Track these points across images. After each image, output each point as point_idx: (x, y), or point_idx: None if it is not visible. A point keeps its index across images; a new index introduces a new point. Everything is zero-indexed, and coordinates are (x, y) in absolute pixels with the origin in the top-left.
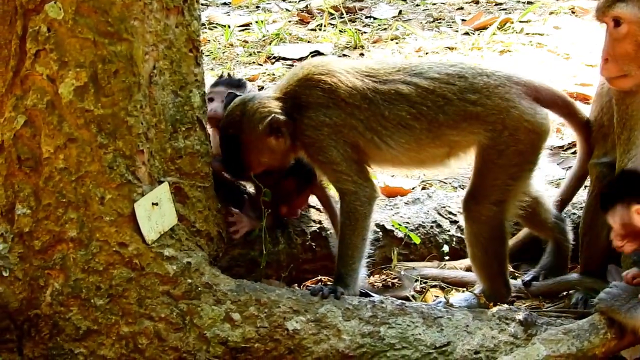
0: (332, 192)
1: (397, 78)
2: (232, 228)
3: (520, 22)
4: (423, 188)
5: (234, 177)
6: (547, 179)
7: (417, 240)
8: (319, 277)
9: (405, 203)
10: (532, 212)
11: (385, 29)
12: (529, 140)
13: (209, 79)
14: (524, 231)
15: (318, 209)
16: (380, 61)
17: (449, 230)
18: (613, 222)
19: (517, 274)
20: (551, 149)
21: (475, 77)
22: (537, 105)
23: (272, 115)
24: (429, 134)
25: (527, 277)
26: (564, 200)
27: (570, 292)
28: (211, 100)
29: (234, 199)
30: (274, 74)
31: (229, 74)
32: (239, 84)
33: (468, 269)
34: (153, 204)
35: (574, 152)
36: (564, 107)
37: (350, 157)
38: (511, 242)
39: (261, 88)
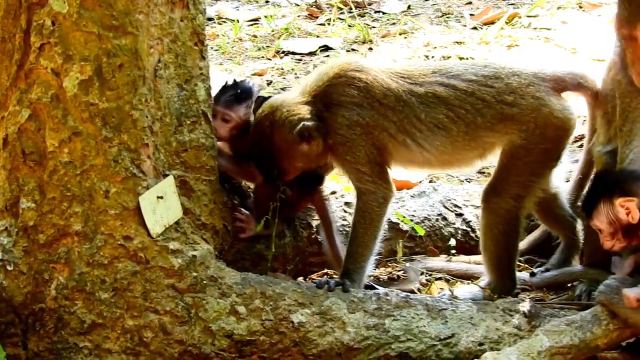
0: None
1: (433, 80)
2: (239, 224)
3: (527, 16)
4: (430, 181)
5: (269, 183)
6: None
7: (422, 232)
8: (325, 271)
9: (411, 196)
10: (548, 208)
11: (394, 23)
12: (557, 137)
13: (217, 73)
14: (540, 229)
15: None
16: (413, 62)
17: (454, 223)
18: (600, 224)
19: (526, 268)
20: None
21: (509, 77)
22: (565, 100)
23: (302, 123)
24: (465, 136)
25: (535, 271)
26: (581, 182)
27: (575, 283)
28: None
29: (241, 201)
30: (282, 69)
31: (228, 85)
32: (240, 97)
33: (476, 263)
34: (158, 197)
35: (581, 146)
36: (590, 88)
37: (375, 159)
38: (527, 240)
39: (270, 83)
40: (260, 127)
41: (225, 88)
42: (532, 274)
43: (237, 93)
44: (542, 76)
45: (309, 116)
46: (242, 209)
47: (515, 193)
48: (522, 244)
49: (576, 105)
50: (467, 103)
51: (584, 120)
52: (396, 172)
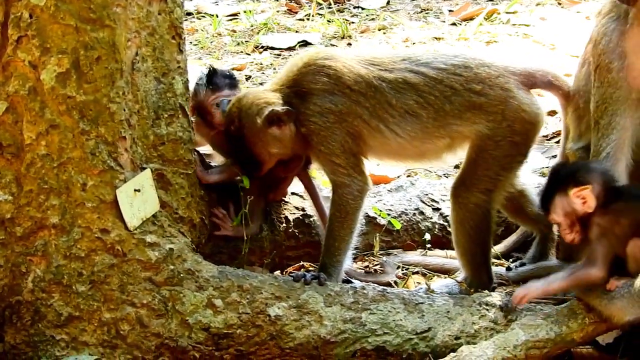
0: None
1: (403, 67)
2: (216, 221)
3: (506, 13)
4: (407, 176)
5: (250, 175)
6: (531, 168)
7: (398, 226)
8: (302, 264)
9: (389, 190)
10: (518, 205)
11: (373, 19)
12: (525, 131)
13: (196, 68)
14: (519, 232)
15: (301, 196)
16: (381, 50)
17: (431, 218)
18: (557, 217)
19: (502, 263)
20: None
21: (479, 67)
22: (533, 96)
23: (270, 108)
24: (435, 122)
25: (511, 265)
26: None
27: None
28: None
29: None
30: (261, 64)
31: (211, 71)
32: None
33: (452, 258)
34: (135, 190)
35: (558, 142)
36: (561, 88)
37: (350, 148)
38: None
39: (249, 78)
40: (230, 118)
41: (210, 76)
42: (508, 269)
43: (226, 76)
44: (512, 70)
45: (276, 101)
46: (220, 208)
47: (485, 187)
48: (500, 247)
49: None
50: (436, 90)
51: (560, 120)
52: (374, 167)
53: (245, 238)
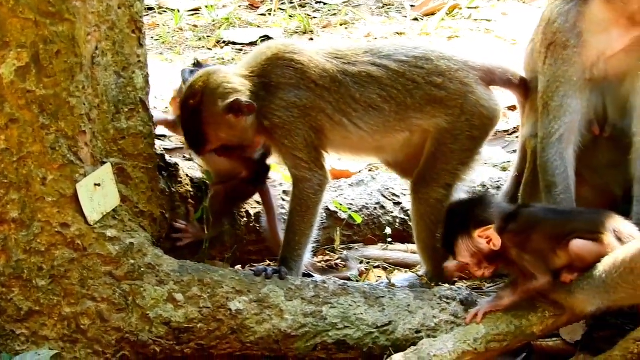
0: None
1: (366, 60)
2: (177, 235)
3: (468, 8)
4: (369, 171)
5: (193, 150)
6: (492, 163)
7: (359, 220)
8: (267, 263)
9: (350, 185)
10: None
11: (335, 14)
12: (483, 126)
13: (157, 63)
14: None
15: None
16: (344, 43)
17: (392, 212)
18: (464, 259)
19: None
20: (496, 133)
21: (439, 60)
22: (492, 92)
23: (236, 97)
24: (396, 116)
25: None
26: (519, 176)
27: None
28: None
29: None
30: (223, 59)
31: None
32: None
33: (413, 252)
34: (95, 184)
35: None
36: (519, 86)
37: (312, 142)
38: None
39: None
40: (193, 90)
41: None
42: None
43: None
44: (471, 65)
45: (243, 90)
46: (178, 220)
47: (444, 182)
48: None
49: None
50: (398, 84)
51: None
52: (335, 162)
53: (206, 205)
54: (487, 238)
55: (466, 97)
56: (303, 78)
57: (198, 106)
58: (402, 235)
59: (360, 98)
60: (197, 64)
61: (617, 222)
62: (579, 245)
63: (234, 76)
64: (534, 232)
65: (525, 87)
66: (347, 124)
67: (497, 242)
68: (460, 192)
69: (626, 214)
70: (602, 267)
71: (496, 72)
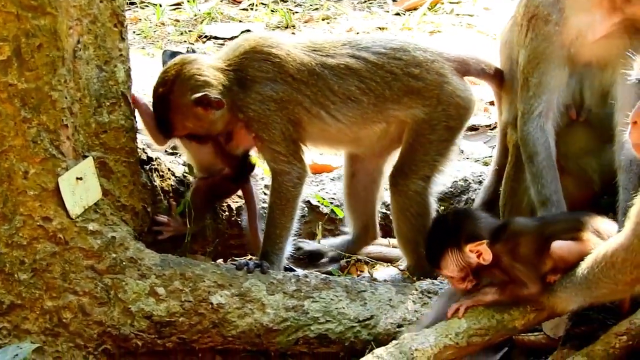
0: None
1: (344, 52)
2: (158, 228)
3: (450, 3)
4: None
5: (161, 134)
6: (474, 158)
7: (341, 214)
8: (249, 257)
9: (332, 179)
10: None
11: (316, 8)
12: (459, 116)
13: (139, 57)
14: None
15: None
16: (322, 36)
17: None
18: (448, 271)
19: None
20: (478, 128)
21: (415, 50)
22: (466, 82)
23: (205, 92)
24: (374, 108)
25: None
26: (499, 170)
27: None
28: None
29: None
30: (205, 53)
31: None
32: None
33: (394, 247)
34: (77, 178)
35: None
36: (494, 76)
37: (291, 135)
38: None
39: None
40: (165, 75)
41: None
42: None
43: None
44: (446, 56)
45: (215, 84)
46: (159, 214)
47: (423, 174)
48: None
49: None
50: (377, 76)
51: None
52: (316, 156)
53: (188, 200)
54: (478, 252)
55: (442, 88)
56: (280, 72)
57: (168, 94)
58: (383, 230)
59: (338, 90)
60: (192, 52)
61: (595, 221)
62: (559, 245)
63: (209, 68)
64: (522, 240)
65: (499, 77)
66: (324, 117)
67: (488, 256)
68: (439, 185)
69: (607, 204)
70: (584, 264)
71: (470, 62)
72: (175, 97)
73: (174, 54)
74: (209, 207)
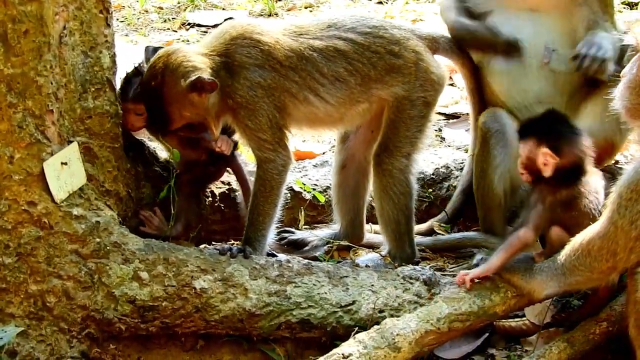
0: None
1: (331, 34)
2: (142, 217)
3: None
4: (333, 152)
5: (157, 130)
6: (455, 145)
7: (322, 199)
8: (232, 241)
9: (314, 166)
10: None
11: None
12: (434, 91)
13: (123, 45)
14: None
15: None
16: (305, 19)
17: None
18: (522, 151)
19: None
20: (460, 116)
21: (393, 28)
22: (437, 59)
23: (197, 75)
24: (360, 88)
25: None
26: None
27: (474, 251)
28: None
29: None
30: (188, 40)
31: (129, 75)
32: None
33: (376, 233)
34: (62, 163)
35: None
36: (461, 55)
37: (277, 122)
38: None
39: None
40: (153, 70)
41: (127, 80)
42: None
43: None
44: (418, 34)
45: (204, 67)
46: (146, 209)
47: (406, 151)
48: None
49: None
50: (364, 57)
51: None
52: (299, 143)
53: (172, 185)
54: (546, 161)
55: (418, 65)
56: (269, 59)
57: (160, 86)
58: (366, 215)
59: (327, 72)
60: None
61: None
62: (556, 232)
63: (194, 55)
64: (565, 196)
65: (467, 57)
66: (313, 100)
67: (548, 171)
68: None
69: None
70: (563, 251)
71: (439, 40)
72: (168, 88)
73: (155, 50)
74: (195, 206)
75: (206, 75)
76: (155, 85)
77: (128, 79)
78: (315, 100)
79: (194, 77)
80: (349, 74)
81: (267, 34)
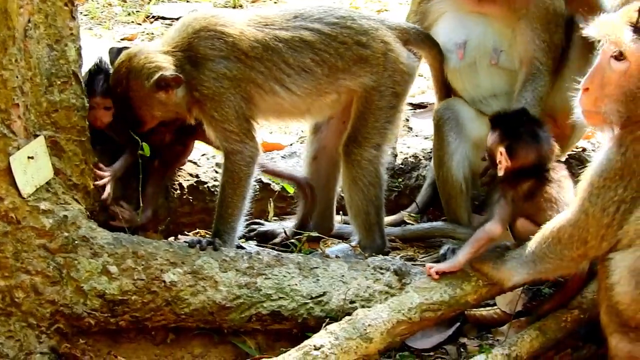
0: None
1: (297, 25)
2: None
3: None
4: (301, 143)
5: (132, 131)
6: (423, 135)
7: (291, 190)
8: (198, 231)
9: (282, 157)
10: None
11: None
12: (404, 81)
13: (87, 38)
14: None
15: (195, 163)
16: (270, 10)
17: None
18: (488, 138)
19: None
20: (427, 105)
21: (361, 19)
22: (407, 50)
23: (160, 73)
24: (327, 79)
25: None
26: None
27: (442, 241)
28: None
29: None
30: (152, 34)
31: (93, 70)
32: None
33: (346, 223)
34: (29, 157)
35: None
36: (432, 47)
37: (244, 114)
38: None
39: None
40: (118, 75)
41: (92, 75)
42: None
43: (107, 77)
44: (388, 24)
45: (166, 65)
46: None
47: (375, 142)
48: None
49: None
50: (331, 47)
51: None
52: (266, 135)
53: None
54: (500, 160)
55: (387, 55)
56: (234, 50)
57: (126, 91)
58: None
59: (293, 63)
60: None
61: None
62: (523, 225)
63: (156, 54)
64: (527, 188)
65: (437, 49)
66: (279, 91)
67: (501, 171)
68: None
69: None
70: (534, 239)
71: (410, 32)
72: (134, 92)
73: (120, 51)
74: (160, 189)
75: (169, 72)
76: (122, 91)
77: (91, 76)
78: (281, 90)
79: (157, 77)
80: (316, 65)
81: (231, 25)
